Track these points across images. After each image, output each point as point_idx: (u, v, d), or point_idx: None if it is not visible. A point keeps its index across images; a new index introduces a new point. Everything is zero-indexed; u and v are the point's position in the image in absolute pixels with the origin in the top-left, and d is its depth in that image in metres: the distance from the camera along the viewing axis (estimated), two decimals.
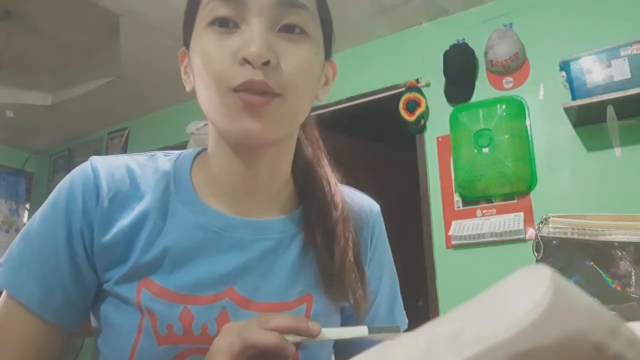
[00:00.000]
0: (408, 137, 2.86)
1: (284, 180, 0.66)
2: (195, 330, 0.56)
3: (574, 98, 2.16)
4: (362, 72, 3.07)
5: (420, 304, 2.91)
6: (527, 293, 0.22)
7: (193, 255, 0.58)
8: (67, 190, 0.58)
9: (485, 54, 2.59)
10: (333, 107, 3.15)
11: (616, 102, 2.05)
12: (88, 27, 3.06)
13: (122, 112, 3.94)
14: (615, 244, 0.76)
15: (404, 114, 2.78)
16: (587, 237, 0.78)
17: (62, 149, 4.60)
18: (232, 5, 0.55)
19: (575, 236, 0.79)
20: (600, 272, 0.76)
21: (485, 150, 2.43)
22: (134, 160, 0.63)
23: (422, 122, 2.76)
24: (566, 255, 0.80)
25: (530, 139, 2.44)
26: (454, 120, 2.60)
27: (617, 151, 2.20)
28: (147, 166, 0.63)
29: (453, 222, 2.54)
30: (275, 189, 0.65)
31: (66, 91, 3.66)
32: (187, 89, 0.64)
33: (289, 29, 0.57)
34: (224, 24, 0.56)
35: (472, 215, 2.51)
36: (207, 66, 0.56)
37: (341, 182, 0.73)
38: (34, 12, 2.89)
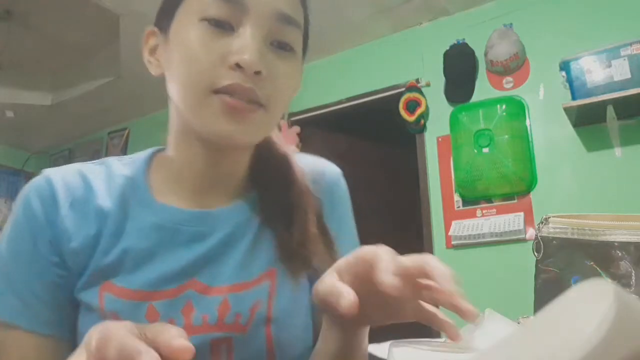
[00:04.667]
0: (408, 137, 2.86)
1: (245, 169, 0.66)
2: None
3: (574, 98, 2.16)
4: (362, 72, 3.07)
5: None
6: (590, 311, 0.20)
7: (152, 253, 0.58)
8: (25, 207, 0.58)
9: (485, 54, 2.59)
10: (333, 107, 3.15)
11: (616, 102, 2.05)
12: (88, 27, 3.06)
13: (122, 112, 3.94)
14: (615, 244, 0.76)
15: (404, 114, 2.78)
16: (587, 237, 0.78)
17: (62, 149, 4.60)
18: (233, 7, 0.55)
19: (575, 236, 0.79)
20: (600, 272, 0.76)
21: (485, 150, 2.43)
22: (87, 168, 0.62)
23: (422, 122, 2.76)
24: (566, 255, 0.80)
25: (530, 139, 2.44)
26: (454, 120, 2.60)
27: (617, 151, 2.21)
28: (100, 172, 0.62)
29: (453, 222, 2.54)
30: (236, 179, 0.65)
31: (66, 91, 3.67)
32: (153, 72, 0.62)
33: (281, 45, 0.57)
34: (220, 25, 0.55)
35: (472, 215, 2.51)
36: (191, 62, 0.55)
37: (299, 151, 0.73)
38: (34, 12, 2.88)
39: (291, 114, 3.31)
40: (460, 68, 2.65)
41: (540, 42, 2.49)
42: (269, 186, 0.65)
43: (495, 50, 2.53)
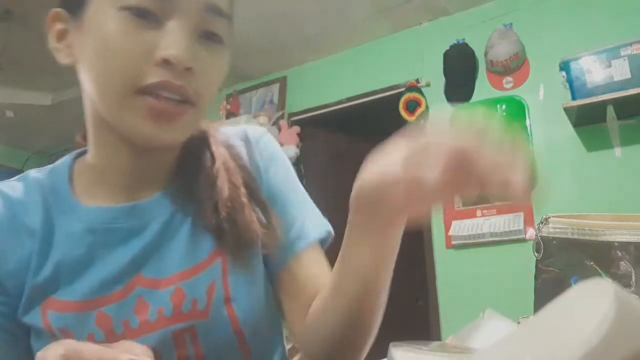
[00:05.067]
0: None
1: (173, 159, 0.62)
2: (117, 329, 0.53)
3: (574, 98, 2.16)
4: (362, 72, 3.07)
5: (420, 304, 2.92)
6: (590, 311, 0.20)
7: (88, 259, 0.55)
8: None
9: (485, 54, 2.59)
10: (333, 107, 3.15)
11: (616, 102, 2.05)
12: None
13: None
14: (616, 244, 0.76)
15: (404, 114, 2.78)
16: (587, 237, 0.78)
17: (62, 149, 4.59)
18: None
19: (575, 236, 0.79)
20: (600, 272, 0.76)
21: None
22: (6, 186, 0.59)
23: (422, 122, 2.76)
24: (566, 255, 0.80)
25: (530, 139, 2.44)
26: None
27: (617, 151, 2.21)
28: (20, 188, 0.59)
29: (453, 222, 2.54)
30: (165, 169, 0.61)
31: (66, 91, 3.66)
32: (62, 61, 0.56)
33: (209, 36, 0.53)
34: (143, 15, 0.49)
35: (472, 215, 2.50)
36: (111, 57, 0.49)
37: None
38: (34, 12, 2.88)
39: (291, 114, 3.31)
40: (460, 68, 2.65)
41: (540, 42, 2.49)
42: (193, 168, 0.62)
43: (495, 50, 2.53)
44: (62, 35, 0.56)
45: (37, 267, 0.55)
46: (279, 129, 3.22)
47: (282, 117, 3.30)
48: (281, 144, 3.16)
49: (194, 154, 0.62)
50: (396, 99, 2.83)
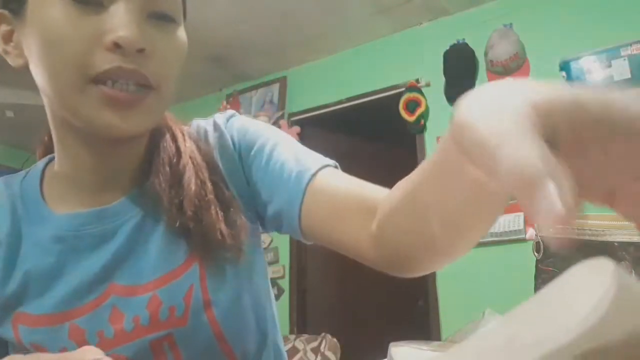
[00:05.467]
0: (408, 137, 2.86)
1: (141, 156, 0.58)
2: (91, 340, 0.51)
3: None
4: (362, 72, 3.07)
5: (420, 304, 2.92)
6: (589, 289, 0.20)
7: (58, 269, 0.53)
8: None
9: (485, 54, 2.59)
10: (333, 107, 3.15)
11: None
12: None
13: None
14: (615, 244, 0.76)
15: (404, 114, 2.78)
16: (587, 237, 0.78)
17: None
18: None
19: (575, 236, 0.79)
20: None
21: None
22: None
23: (422, 122, 2.76)
24: (566, 255, 0.80)
25: None
26: None
27: None
28: None
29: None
30: (132, 168, 0.58)
31: None
32: (13, 64, 0.53)
33: (157, 15, 0.50)
34: (86, 1, 0.46)
35: None
36: (58, 48, 0.46)
37: None
38: None
39: (291, 114, 3.31)
40: (460, 68, 2.65)
41: (540, 42, 2.49)
42: (159, 166, 0.57)
43: (495, 50, 2.53)
44: (8, 37, 0.53)
45: (4, 280, 0.53)
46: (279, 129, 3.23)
47: (282, 117, 3.30)
48: None
49: (161, 150, 0.58)
50: (396, 99, 2.83)
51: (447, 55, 2.69)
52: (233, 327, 0.55)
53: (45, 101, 0.54)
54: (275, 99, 3.41)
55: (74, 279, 0.53)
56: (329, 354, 2.24)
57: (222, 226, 0.55)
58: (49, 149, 0.62)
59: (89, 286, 0.53)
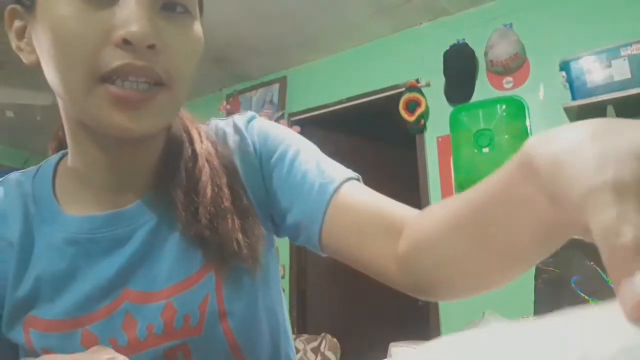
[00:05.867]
0: (408, 137, 2.86)
1: (158, 157, 0.56)
2: None
3: (574, 98, 2.16)
4: (362, 72, 3.07)
5: (420, 304, 2.91)
6: None
7: (70, 273, 0.51)
8: None
9: (485, 54, 2.59)
10: (333, 107, 3.15)
11: (616, 102, 2.05)
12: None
13: None
14: None
15: (404, 114, 2.78)
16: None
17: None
18: None
19: (576, 236, 0.79)
20: (600, 272, 0.76)
21: (485, 150, 2.43)
22: None
23: (422, 122, 2.76)
24: (566, 255, 0.81)
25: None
26: (454, 120, 2.60)
27: None
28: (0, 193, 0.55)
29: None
30: (149, 169, 0.56)
31: None
32: (26, 61, 0.51)
33: (172, 7, 0.47)
34: None
35: None
36: (68, 44, 0.44)
37: None
38: None
39: (291, 114, 3.31)
40: (460, 68, 2.65)
41: (540, 42, 2.49)
42: (175, 169, 0.56)
43: (495, 50, 2.52)
44: (21, 33, 0.51)
45: (16, 282, 0.51)
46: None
47: (282, 117, 3.30)
48: None
49: (177, 152, 0.56)
50: (396, 99, 2.83)
51: (447, 55, 2.69)
52: (248, 338, 0.54)
53: (58, 99, 0.52)
54: (275, 99, 3.41)
55: (87, 283, 0.51)
56: (329, 354, 2.24)
57: (239, 235, 0.53)
58: (62, 144, 0.60)
59: (102, 291, 0.51)
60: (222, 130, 0.60)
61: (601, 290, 0.75)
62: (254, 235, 0.54)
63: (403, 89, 2.84)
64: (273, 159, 0.58)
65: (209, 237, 0.52)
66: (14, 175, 0.57)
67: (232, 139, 0.59)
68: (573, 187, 0.21)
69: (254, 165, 0.58)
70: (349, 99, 3.08)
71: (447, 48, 2.69)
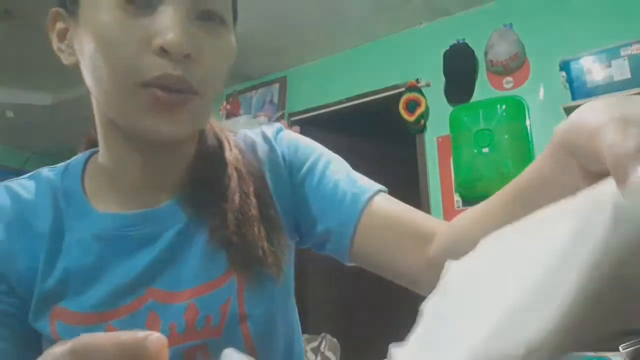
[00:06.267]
0: (408, 137, 2.86)
1: (189, 160, 0.58)
2: None
3: (574, 98, 2.16)
4: (362, 72, 3.07)
5: (420, 304, 2.92)
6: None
7: (98, 268, 0.52)
8: None
9: (485, 54, 2.59)
10: (333, 107, 3.15)
11: None
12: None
13: None
14: None
15: (404, 114, 2.78)
16: None
17: (62, 149, 4.59)
18: None
19: None
20: None
21: (485, 150, 2.43)
22: (16, 184, 0.57)
23: (422, 122, 2.76)
24: None
25: (530, 139, 2.44)
26: (454, 120, 2.60)
27: None
28: (31, 187, 0.57)
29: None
30: (179, 172, 0.58)
31: (66, 91, 3.67)
32: (66, 62, 0.54)
33: (207, 16, 0.49)
34: (137, 2, 0.46)
35: None
36: (110, 51, 0.46)
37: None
38: (34, 12, 2.88)
39: (291, 114, 3.31)
40: (460, 68, 2.65)
41: (540, 42, 2.49)
42: (205, 174, 0.58)
43: (495, 50, 2.53)
44: (63, 35, 0.54)
45: (45, 273, 0.52)
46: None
47: (282, 117, 3.30)
48: None
49: (207, 158, 0.58)
50: (396, 99, 2.83)
51: (447, 55, 2.69)
52: (265, 344, 0.55)
53: (94, 100, 0.54)
54: (275, 99, 3.41)
55: (113, 279, 0.52)
56: (329, 354, 2.24)
57: (265, 244, 0.55)
58: (93, 144, 0.62)
59: (127, 288, 0.52)
60: (251, 139, 0.63)
61: None
62: (279, 244, 0.57)
63: (403, 89, 2.84)
64: (304, 169, 0.60)
65: (235, 243, 0.54)
66: (43, 171, 0.59)
67: (261, 149, 0.62)
68: (590, 133, 0.25)
69: (282, 176, 0.61)
70: (348, 99, 3.08)
71: (447, 48, 2.69)
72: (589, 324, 0.20)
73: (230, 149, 0.59)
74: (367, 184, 0.58)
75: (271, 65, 3.39)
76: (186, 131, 0.51)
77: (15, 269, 0.52)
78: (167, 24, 0.46)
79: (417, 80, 2.82)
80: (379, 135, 3.42)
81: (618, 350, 0.48)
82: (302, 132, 3.36)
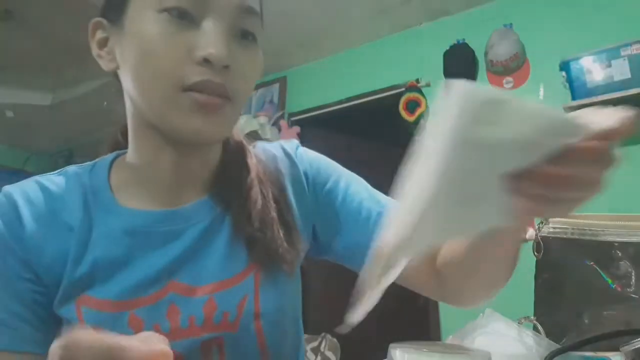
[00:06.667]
0: (408, 137, 2.85)
1: (215, 164, 0.64)
2: (148, 331, 0.54)
3: (574, 98, 2.16)
4: (362, 72, 3.07)
5: (420, 304, 2.92)
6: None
7: (125, 260, 0.56)
8: None
9: (485, 54, 2.59)
10: (333, 107, 3.15)
11: (616, 102, 2.05)
12: (88, 27, 3.05)
13: (122, 112, 3.94)
14: (615, 244, 0.76)
15: (404, 114, 2.78)
16: (587, 237, 0.78)
17: (62, 149, 4.59)
18: None
19: (575, 236, 0.79)
20: (600, 272, 0.76)
21: None
22: (46, 179, 0.60)
23: (422, 122, 2.76)
24: (566, 255, 0.81)
25: None
26: None
27: (617, 151, 2.20)
28: (61, 182, 0.60)
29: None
30: (205, 174, 0.63)
31: (66, 91, 3.66)
32: (105, 68, 0.59)
33: (244, 34, 0.56)
34: (183, 16, 0.52)
35: None
36: (155, 58, 0.51)
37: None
38: (34, 12, 2.88)
39: (291, 114, 3.31)
40: (460, 68, 2.65)
41: (540, 42, 2.49)
42: (230, 177, 0.63)
43: (495, 50, 2.53)
44: (103, 43, 0.59)
45: (74, 263, 0.56)
46: (279, 129, 3.22)
47: (282, 117, 3.30)
48: None
49: (232, 162, 0.64)
50: (396, 99, 2.83)
51: (447, 55, 2.69)
52: (275, 340, 0.59)
53: (128, 105, 0.59)
54: (275, 99, 3.41)
55: (139, 271, 0.56)
56: (329, 354, 2.24)
57: (284, 244, 0.60)
58: (119, 145, 0.67)
59: (151, 280, 0.56)
60: (271, 152, 0.69)
61: (601, 291, 0.75)
62: (296, 247, 0.62)
63: (403, 89, 2.84)
64: (326, 187, 0.67)
65: (257, 240, 0.59)
66: (71, 168, 0.63)
67: (282, 163, 0.68)
68: None
69: (303, 191, 0.67)
70: (348, 99, 3.08)
71: (447, 48, 2.69)
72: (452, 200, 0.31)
73: (252, 156, 0.65)
74: (388, 202, 0.65)
75: (271, 65, 3.39)
76: (222, 133, 0.57)
77: (43, 259, 0.55)
78: (211, 38, 0.51)
79: (417, 80, 2.82)
80: (378, 135, 3.42)
81: (618, 350, 0.48)
82: (302, 132, 3.38)
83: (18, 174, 4.62)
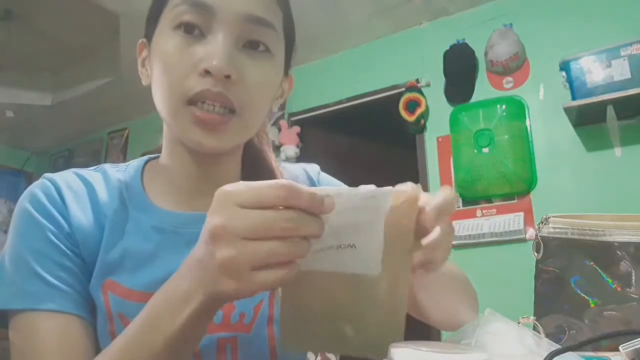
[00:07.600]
0: (408, 137, 2.86)
1: (237, 172, 0.68)
2: None
3: (574, 98, 2.16)
4: (362, 72, 3.07)
5: None
6: None
7: (153, 255, 0.59)
8: (35, 204, 0.58)
9: (485, 54, 2.59)
10: (333, 107, 3.15)
11: (616, 102, 2.05)
12: (88, 27, 3.06)
13: (122, 112, 3.94)
14: (615, 244, 0.76)
15: (404, 114, 2.78)
16: (587, 237, 0.78)
17: (62, 149, 4.59)
18: (200, 13, 0.55)
19: (575, 236, 0.79)
20: (600, 272, 0.76)
21: (485, 150, 2.43)
22: (84, 172, 0.64)
23: (422, 122, 2.76)
24: (566, 255, 0.80)
25: (530, 139, 2.44)
26: (454, 120, 2.60)
27: (617, 151, 2.21)
28: (98, 176, 0.64)
29: (453, 222, 2.54)
30: (229, 180, 0.65)
31: (66, 91, 3.67)
32: (144, 83, 0.64)
33: (253, 45, 0.57)
34: (190, 30, 0.55)
35: (472, 215, 2.50)
36: (167, 71, 0.56)
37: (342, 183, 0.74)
38: (34, 12, 2.88)
39: (291, 114, 3.31)
40: (460, 68, 2.65)
41: (540, 42, 2.49)
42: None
43: (495, 50, 2.53)
44: (144, 61, 0.64)
45: (107, 247, 0.59)
46: (279, 129, 3.22)
47: (282, 117, 3.30)
48: (281, 144, 3.16)
49: (253, 170, 0.68)
50: (396, 99, 2.83)
51: (447, 55, 2.69)
52: None
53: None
54: None
55: (166, 266, 0.57)
56: (329, 354, 2.23)
57: None
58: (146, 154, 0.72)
59: None
60: (294, 173, 0.73)
61: (601, 291, 0.75)
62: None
63: (403, 89, 2.84)
64: None
65: None
66: (106, 166, 0.67)
67: (304, 184, 0.69)
68: None
69: None
70: (349, 99, 3.08)
71: (447, 48, 2.69)
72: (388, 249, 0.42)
73: (275, 162, 0.70)
74: None
75: None
76: (225, 146, 0.59)
77: (84, 237, 0.58)
78: (212, 50, 0.53)
79: (417, 80, 2.82)
80: (379, 135, 3.42)
81: (618, 350, 0.48)
82: (302, 132, 3.38)
83: (18, 174, 4.63)
